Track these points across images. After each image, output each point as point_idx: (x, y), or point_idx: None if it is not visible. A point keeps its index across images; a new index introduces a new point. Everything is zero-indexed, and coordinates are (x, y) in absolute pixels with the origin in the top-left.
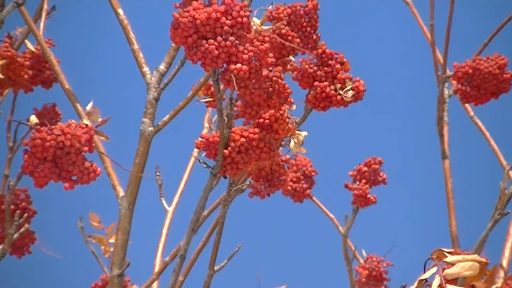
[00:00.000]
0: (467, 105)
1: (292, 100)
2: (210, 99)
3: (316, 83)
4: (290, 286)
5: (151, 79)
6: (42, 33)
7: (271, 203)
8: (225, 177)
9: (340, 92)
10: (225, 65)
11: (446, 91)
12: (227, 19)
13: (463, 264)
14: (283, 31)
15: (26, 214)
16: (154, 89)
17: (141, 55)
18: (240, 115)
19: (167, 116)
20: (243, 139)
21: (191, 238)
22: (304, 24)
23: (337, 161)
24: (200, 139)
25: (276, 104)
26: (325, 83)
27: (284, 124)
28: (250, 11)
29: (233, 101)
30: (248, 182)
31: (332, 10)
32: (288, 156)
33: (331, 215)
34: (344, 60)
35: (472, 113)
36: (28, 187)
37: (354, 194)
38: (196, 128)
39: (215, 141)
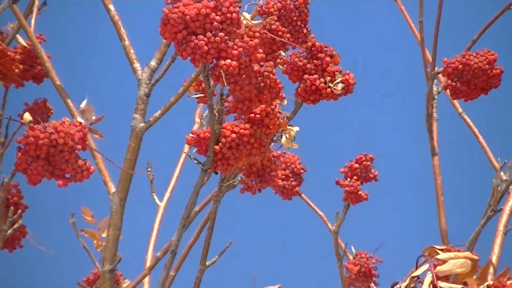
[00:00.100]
0: (455, 101)
1: (283, 95)
2: (201, 94)
3: (305, 76)
4: (280, 282)
5: (142, 75)
6: (33, 29)
7: (263, 200)
8: (216, 173)
9: (330, 85)
10: (215, 61)
11: (435, 88)
12: (216, 14)
13: (455, 261)
14: (273, 26)
15: (19, 211)
16: (145, 85)
17: (132, 51)
18: (232, 110)
19: (159, 112)
20: (234, 135)
21: (182, 234)
22: (295, 18)
23: (327, 158)
24: (191, 135)
25: (268, 99)
26: (315, 76)
27: (275, 119)
28: (240, 7)
29: (223, 97)
30: (239, 178)
31: (320, 7)
32: (279, 152)
33: (321, 213)
34: (334, 53)
35: (460, 110)
36: (20, 182)
37: (345, 191)
38: (187, 123)
39: (206, 137)
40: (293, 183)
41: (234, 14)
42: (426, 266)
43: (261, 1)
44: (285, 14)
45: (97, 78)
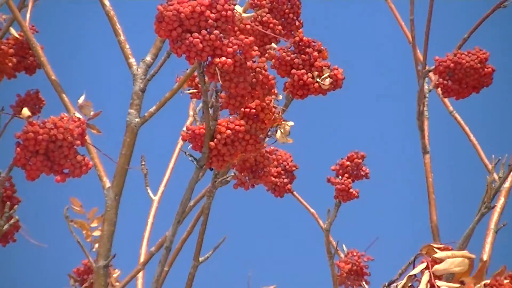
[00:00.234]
0: (446, 100)
1: (276, 91)
2: (194, 90)
3: (293, 71)
4: (271, 279)
5: (137, 70)
6: (28, 23)
7: (254, 198)
8: (211, 169)
9: (318, 79)
10: (209, 58)
11: (426, 86)
12: (211, 12)
13: (453, 260)
14: (264, 18)
15: (15, 205)
16: (141, 80)
17: (127, 46)
18: (224, 106)
19: (154, 108)
20: (229, 131)
21: (177, 230)
22: (287, 10)
23: (318, 155)
24: (186, 131)
25: (260, 95)
26: (303, 71)
27: (270, 113)
28: (235, 5)
29: (218, 93)
30: (232, 173)
31: (310, 7)
32: (272, 148)
33: (312, 210)
34: (322, 48)
35: (451, 108)
36: (12, 176)
37: (336, 189)
38: (181, 117)
39: (201, 133)
40: (285, 180)
41: (229, 12)
42: (423, 265)
43: None
44: (277, 6)
45: (92, 73)
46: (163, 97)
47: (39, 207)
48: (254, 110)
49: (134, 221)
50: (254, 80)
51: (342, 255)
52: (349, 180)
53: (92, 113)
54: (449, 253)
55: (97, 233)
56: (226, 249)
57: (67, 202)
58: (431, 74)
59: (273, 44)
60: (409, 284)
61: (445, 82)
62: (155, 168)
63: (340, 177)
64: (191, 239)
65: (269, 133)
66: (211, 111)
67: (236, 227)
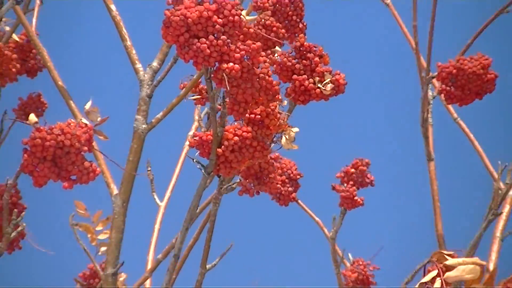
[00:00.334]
0: (450, 106)
1: (280, 97)
2: (198, 96)
3: (294, 76)
4: None
5: (144, 76)
6: (34, 28)
7: (259, 207)
8: (219, 176)
9: (319, 85)
10: (217, 64)
11: (430, 93)
12: (218, 17)
13: (464, 267)
14: (267, 22)
15: (22, 213)
16: (147, 86)
17: (134, 52)
18: (228, 112)
19: (161, 114)
20: (236, 138)
21: (185, 237)
22: (290, 13)
23: (322, 162)
24: (193, 137)
25: (264, 101)
26: (304, 76)
27: (276, 119)
28: (242, 10)
29: (226, 100)
30: (238, 180)
31: (313, 11)
32: (277, 154)
33: (317, 219)
34: (323, 53)
35: (455, 115)
36: (17, 183)
37: (341, 196)
38: (187, 122)
39: (208, 139)
40: (290, 189)
41: (236, 17)
42: (434, 272)
43: None
44: (280, 9)
45: (99, 79)
46: (170, 103)
47: (44, 211)
48: (259, 116)
49: (140, 227)
50: (257, 86)
51: (348, 264)
52: (354, 187)
53: (99, 119)
54: (460, 260)
55: (102, 237)
56: (232, 256)
57: (71, 205)
58: (434, 80)
59: (277, 48)
60: None
61: (448, 88)
62: (160, 174)
63: (345, 184)
64: (197, 245)
65: (274, 139)
66: (217, 118)
67: (242, 235)
